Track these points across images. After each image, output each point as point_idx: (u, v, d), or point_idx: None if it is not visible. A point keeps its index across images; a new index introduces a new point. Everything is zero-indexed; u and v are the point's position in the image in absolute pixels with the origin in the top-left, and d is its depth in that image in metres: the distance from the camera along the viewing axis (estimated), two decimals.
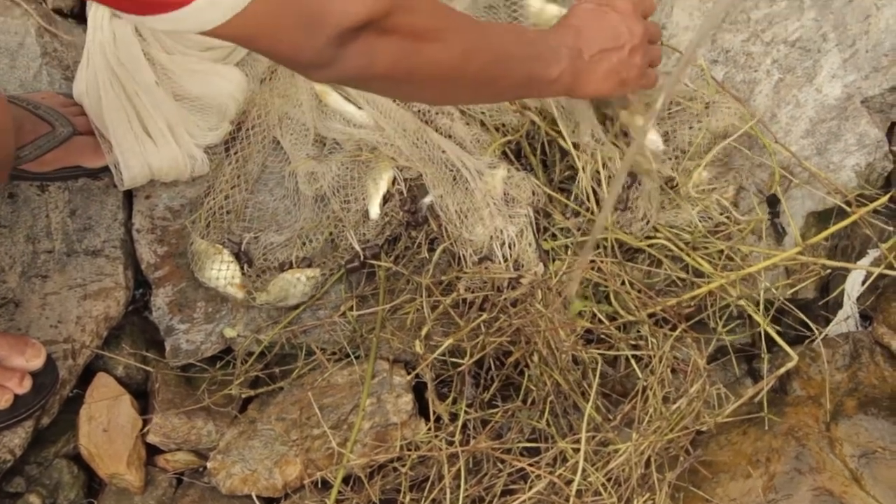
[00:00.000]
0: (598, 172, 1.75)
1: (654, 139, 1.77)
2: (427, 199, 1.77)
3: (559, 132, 1.80)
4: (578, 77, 1.55)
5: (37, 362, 1.63)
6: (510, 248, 1.70)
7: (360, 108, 1.88)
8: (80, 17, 2.15)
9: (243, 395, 1.74)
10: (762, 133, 1.80)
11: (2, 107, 1.21)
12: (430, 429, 1.65)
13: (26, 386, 1.62)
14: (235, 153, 1.89)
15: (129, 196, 1.90)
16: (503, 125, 1.84)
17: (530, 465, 1.56)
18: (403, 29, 1.33)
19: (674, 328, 1.64)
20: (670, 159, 1.80)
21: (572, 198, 1.78)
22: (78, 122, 1.86)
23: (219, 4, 1.17)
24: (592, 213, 1.74)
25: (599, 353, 1.64)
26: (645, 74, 1.62)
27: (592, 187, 1.76)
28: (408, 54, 1.36)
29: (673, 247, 1.71)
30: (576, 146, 1.77)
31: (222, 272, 1.75)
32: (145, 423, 1.73)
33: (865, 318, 1.86)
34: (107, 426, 1.71)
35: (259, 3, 1.20)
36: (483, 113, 1.86)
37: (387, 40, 1.32)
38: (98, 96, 1.86)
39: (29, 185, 1.85)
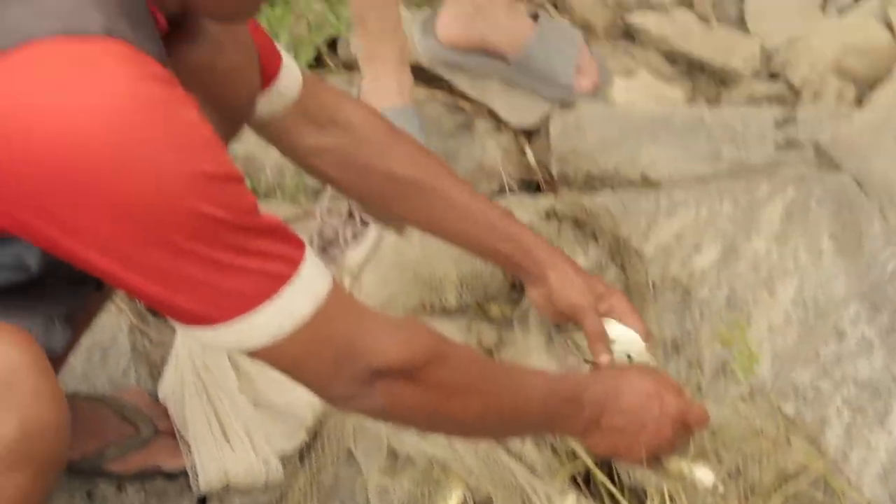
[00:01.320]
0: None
1: (702, 476, 1.79)
2: None
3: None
4: (586, 436, 1.68)
5: None
6: None
7: None
8: None
9: None
10: (833, 475, 1.81)
11: (61, 407, 1.26)
12: None
13: None
14: (307, 462, 1.93)
15: (202, 501, 1.93)
16: (573, 451, 1.87)
17: None
18: (433, 382, 1.39)
19: None
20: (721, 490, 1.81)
21: None
22: (161, 424, 1.93)
23: (262, 329, 1.23)
24: None
25: None
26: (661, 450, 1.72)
27: None
28: (431, 405, 1.43)
29: None
30: None
31: None
32: None
33: None
34: None
35: (300, 335, 1.25)
36: (555, 438, 1.90)
37: (413, 388, 1.38)
38: (182, 399, 1.93)
39: (108, 483, 1.89)
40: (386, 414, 1.44)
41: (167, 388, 1.97)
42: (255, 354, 1.28)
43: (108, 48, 1.12)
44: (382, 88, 2.44)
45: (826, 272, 2.07)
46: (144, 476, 1.91)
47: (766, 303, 2.07)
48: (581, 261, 2.17)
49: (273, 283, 1.22)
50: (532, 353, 1.99)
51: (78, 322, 1.40)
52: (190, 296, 1.18)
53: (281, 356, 1.29)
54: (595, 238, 2.23)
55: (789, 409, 1.92)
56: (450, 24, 2.61)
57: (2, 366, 1.20)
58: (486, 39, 2.58)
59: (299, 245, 1.27)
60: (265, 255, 1.21)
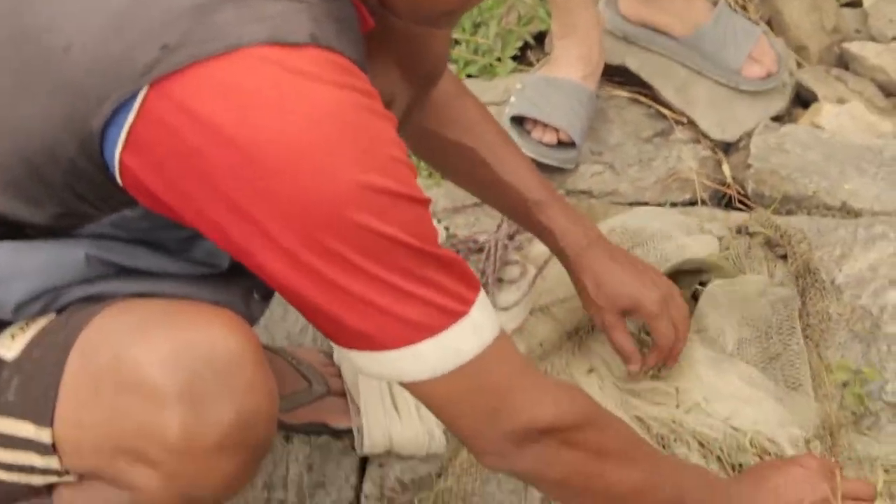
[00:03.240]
0: None
1: None
2: None
3: None
4: None
5: None
6: None
7: None
8: None
9: None
10: None
11: (273, 397, 1.29)
12: None
13: None
14: None
15: (363, 461, 1.96)
16: (740, 464, 1.83)
17: None
18: (589, 446, 1.37)
19: None
20: None
21: None
22: (333, 383, 1.97)
23: (424, 362, 1.22)
24: None
25: None
26: None
27: None
28: (587, 472, 1.40)
29: None
30: None
31: None
32: None
33: None
34: None
35: (458, 376, 1.24)
36: (720, 449, 1.86)
37: (568, 452, 1.36)
38: None
39: (276, 432, 1.94)
40: (539, 478, 1.42)
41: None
42: (409, 386, 1.28)
43: (314, 57, 1.14)
44: (568, 58, 2.46)
45: None
46: (311, 430, 1.96)
47: None
48: (764, 279, 2.13)
49: (445, 317, 1.21)
50: None
51: (273, 295, 1.44)
52: (356, 315, 1.19)
53: (435, 394, 1.28)
54: (784, 258, 2.18)
55: None
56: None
57: (223, 354, 1.23)
58: (659, 16, 2.57)
59: (475, 285, 1.26)
60: (440, 288, 1.20)
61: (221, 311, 1.27)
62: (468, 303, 1.23)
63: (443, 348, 1.22)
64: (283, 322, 2.14)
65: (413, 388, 1.28)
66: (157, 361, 1.20)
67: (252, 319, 1.38)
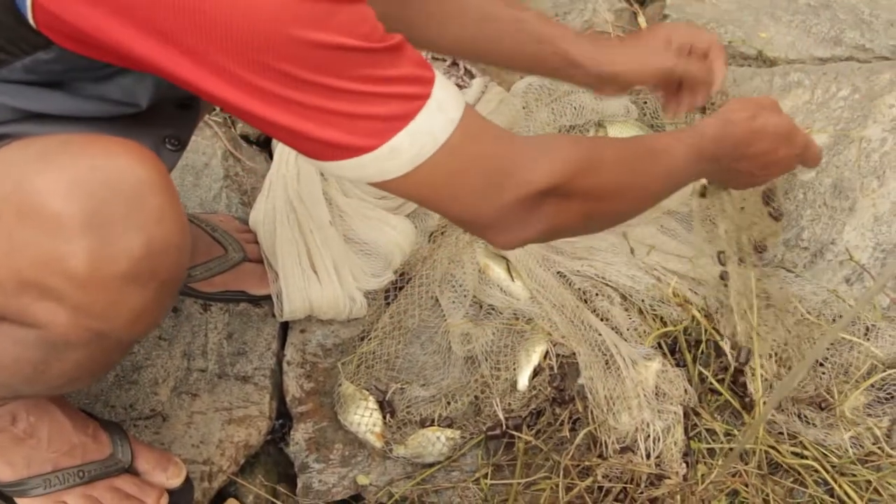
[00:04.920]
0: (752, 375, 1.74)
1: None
2: (579, 381, 1.77)
3: (718, 331, 1.80)
4: (711, 176, 1.69)
5: (176, 481, 1.66)
6: (655, 443, 1.68)
7: (518, 280, 1.92)
8: (264, 145, 2.25)
9: None
10: None
11: (184, 228, 1.24)
12: None
13: (163, 503, 1.64)
14: (391, 302, 1.93)
15: (284, 327, 1.94)
16: (662, 318, 1.85)
17: None
18: (586, 191, 1.33)
19: None
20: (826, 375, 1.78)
21: (722, 399, 1.78)
22: (249, 249, 1.93)
23: (404, 154, 1.18)
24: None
25: None
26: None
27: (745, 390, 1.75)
28: (589, 214, 1.37)
29: (821, 469, 1.67)
30: (733, 347, 1.77)
31: (365, 418, 1.77)
32: None
33: None
34: None
35: (440, 159, 1.21)
36: (643, 301, 1.87)
37: (569, 204, 1.32)
38: (273, 228, 1.92)
39: (193, 302, 1.91)
40: (551, 234, 1.37)
41: (258, 216, 1.96)
42: (396, 184, 1.23)
43: None
44: None
45: None
46: (229, 298, 1.92)
47: (875, 191, 2.00)
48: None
49: (410, 105, 1.17)
50: None
51: (187, 145, 1.37)
52: (325, 127, 1.15)
53: (424, 185, 1.23)
54: (703, 110, 2.16)
55: (884, 299, 1.87)
56: None
57: (129, 182, 1.17)
58: None
59: (426, 64, 1.21)
60: (398, 79, 1.16)
61: (128, 142, 1.20)
62: (428, 83, 1.19)
63: (416, 136, 1.18)
64: (195, 189, 2.08)
65: (400, 184, 1.23)
66: (59, 189, 1.14)
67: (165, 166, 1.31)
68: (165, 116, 1.35)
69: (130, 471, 1.63)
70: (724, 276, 1.85)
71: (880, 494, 1.66)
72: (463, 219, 1.31)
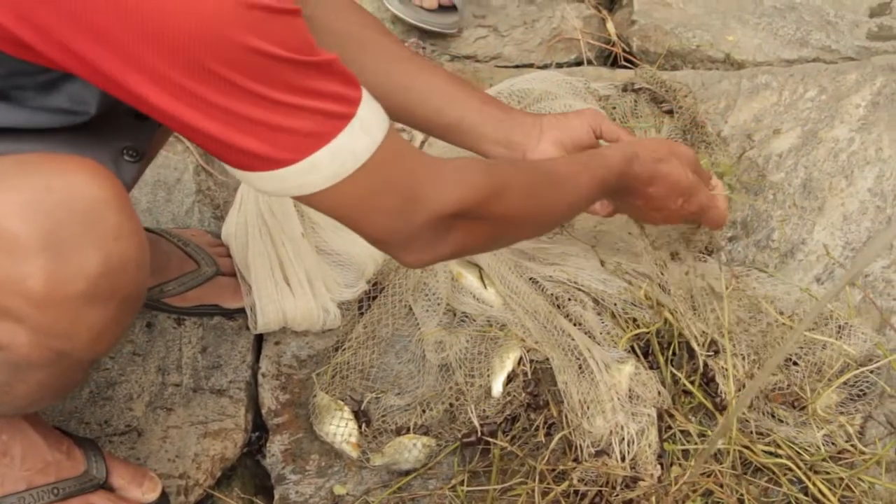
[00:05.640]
0: (724, 376, 1.75)
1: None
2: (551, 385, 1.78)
3: (692, 334, 1.81)
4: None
5: (152, 496, 1.65)
6: (629, 445, 1.69)
7: (491, 287, 1.92)
8: None
9: None
10: None
11: (143, 245, 1.25)
12: None
13: None
14: (364, 312, 1.93)
15: (259, 340, 1.94)
16: (634, 320, 1.85)
17: None
18: (493, 216, 1.37)
19: None
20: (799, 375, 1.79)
21: (695, 400, 1.78)
22: (222, 263, 1.93)
23: (323, 170, 1.19)
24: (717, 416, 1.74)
25: None
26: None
27: (716, 391, 1.76)
28: (495, 235, 1.43)
29: (795, 467, 1.68)
30: (706, 346, 1.78)
31: (340, 428, 1.78)
32: None
33: None
34: None
35: (359, 178, 1.22)
36: (615, 305, 1.88)
37: (476, 227, 1.36)
38: (245, 241, 1.93)
39: (167, 317, 1.91)
40: (461, 253, 1.41)
41: (230, 229, 1.96)
42: (315, 200, 1.24)
43: None
44: None
45: None
46: (203, 312, 1.92)
47: (843, 190, 2.02)
48: (653, 136, 2.13)
49: (335, 122, 1.18)
50: None
51: (146, 156, 1.36)
52: (248, 136, 1.14)
53: (342, 202, 1.25)
54: (671, 113, 2.18)
55: (856, 296, 1.89)
56: None
57: (85, 201, 1.17)
58: None
59: (356, 83, 1.22)
60: (325, 95, 1.17)
61: (81, 160, 1.20)
62: (354, 103, 1.20)
63: (337, 153, 1.19)
64: (167, 205, 2.08)
65: (318, 200, 1.24)
66: (14, 210, 1.14)
67: (124, 180, 1.30)
68: (122, 128, 1.34)
69: (106, 487, 1.63)
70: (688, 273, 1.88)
71: (853, 491, 1.67)
72: (376, 237, 1.33)
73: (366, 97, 1.22)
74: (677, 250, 1.94)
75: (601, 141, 1.77)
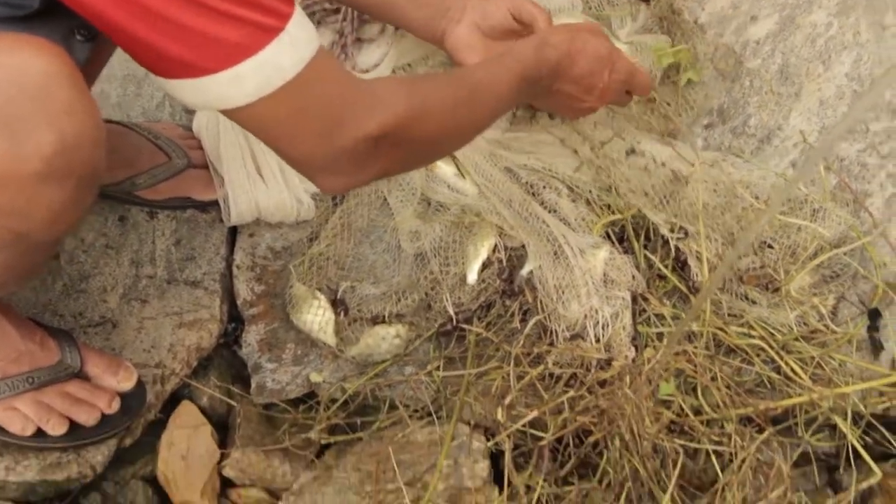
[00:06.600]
0: (698, 261, 1.76)
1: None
2: (525, 270, 1.78)
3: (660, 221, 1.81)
4: (537, 100, 1.76)
5: (128, 384, 1.66)
6: (604, 329, 1.70)
7: (466, 176, 1.91)
8: None
9: (322, 441, 1.74)
10: (872, 246, 1.79)
11: (97, 122, 1.23)
12: (503, 499, 1.64)
13: (115, 407, 1.64)
14: (339, 203, 1.92)
15: (233, 232, 1.93)
16: (609, 206, 1.85)
17: None
18: (416, 138, 1.37)
19: (760, 429, 1.62)
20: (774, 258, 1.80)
21: (670, 284, 1.79)
22: (194, 156, 1.91)
23: (248, 83, 1.18)
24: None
25: (681, 445, 1.62)
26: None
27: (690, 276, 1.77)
28: (417, 155, 1.44)
29: (767, 347, 1.69)
30: (676, 230, 1.79)
31: (317, 318, 1.78)
32: (223, 455, 1.74)
33: None
34: (185, 454, 1.73)
35: (282, 96, 1.21)
36: (590, 192, 1.87)
37: (400, 150, 1.36)
38: (217, 132, 1.91)
39: (139, 210, 1.90)
40: (374, 179, 1.41)
41: (201, 121, 1.94)
42: (238, 114, 1.23)
43: None
44: None
45: (887, 48, 1.99)
46: (175, 205, 1.91)
47: (820, 76, 2.01)
48: (628, 24, 2.11)
49: (262, 34, 1.17)
50: None
51: (100, 36, 1.34)
52: (173, 40, 1.14)
53: (263, 118, 1.24)
54: (647, 1, 2.15)
55: (831, 180, 1.88)
56: None
57: (34, 77, 1.15)
58: None
59: (290, 1, 1.21)
60: (255, 5, 1.16)
61: (30, 37, 1.18)
62: (284, 17, 1.19)
63: (263, 66, 1.18)
64: (137, 98, 2.06)
65: (240, 115, 1.23)
66: None
67: (76, 58, 1.27)
68: (73, 13, 1.32)
69: (80, 376, 1.64)
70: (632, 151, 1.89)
71: (824, 369, 1.68)
72: (296, 159, 1.33)
73: (298, 13, 1.21)
74: (637, 142, 1.93)
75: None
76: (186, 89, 1.19)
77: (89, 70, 1.43)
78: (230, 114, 1.23)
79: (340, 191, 1.39)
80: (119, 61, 2.02)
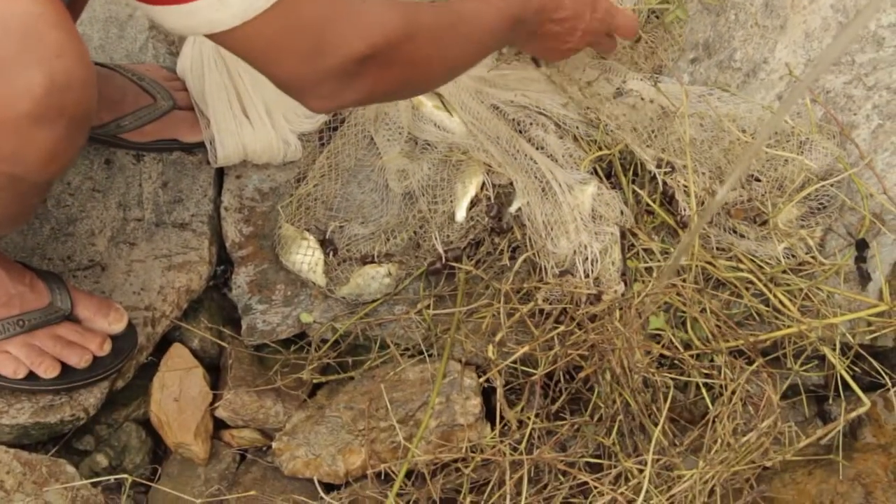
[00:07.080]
0: (686, 195, 1.76)
1: None
2: (514, 207, 1.78)
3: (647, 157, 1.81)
4: (525, 44, 1.70)
5: (118, 326, 1.66)
6: (593, 264, 1.70)
7: (453, 114, 1.90)
8: None
9: (314, 381, 1.75)
10: (858, 177, 1.79)
11: (87, 62, 1.22)
12: (495, 434, 1.65)
13: (106, 349, 1.65)
14: (326, 143, 1.91)
15: (220, 174, 1.93)
16: (596, 142, 1.85)
17: (593, 480, 1.56)
18: (405, 58, 1.35)
19: (749, 361, 1.64)
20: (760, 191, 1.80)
21: (658, 219, 1.80)
22: (179, 97, 1.90)
23: (230, 5, 1.17)
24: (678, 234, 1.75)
25: (672, 378, 1.63)
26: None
27: (678, 210, 1.77)
28: (404, 80, 1.39)
29: (756, 280, 1.70)
30: (664, 165, 1.79)
31: (307, 258, 1.78)
32: (215, 397, 1.75)
33: None
34: (178, 396, 1.74)
35: (270, 17, 1.20)
36: (577, 128, 1.87)
37: (388, 72, 1.34)
38: (201, 73, 1.89)
39: (125, 153, 1.88)
40: (364, 103, 1.41)
41: (186, 63, 1.92)
42: (225, 38, 1.22)
43: None
44: None
45: None
46: (162, 148, 1.90)
47: (805, 7, 1.99)
48: None
49: None
50: None
51: None
52: None
53: (251, 40, 1.22)
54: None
55: (817, 112, 1.88)
56: None
57: (22, 18, 1.14)
58: None
59: None
60: None
61: None
62: None
63: None
64: (120, 41, 2.04)
65: (227, 38, 1.22)
66: None
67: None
68: None
69: (71, 318, 1.64)
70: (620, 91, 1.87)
71: (812, 300, 1.69)
72: (284, 80, 1.31)
73: None
74: (623, 81, 1.92)
75: None
76: (174, 15, 1.18)
77: (73, 8, 1.41)
78: (218, 38, 1.22)
79: (327, 111, 1.37)
80: (101, 3, 2.01)
